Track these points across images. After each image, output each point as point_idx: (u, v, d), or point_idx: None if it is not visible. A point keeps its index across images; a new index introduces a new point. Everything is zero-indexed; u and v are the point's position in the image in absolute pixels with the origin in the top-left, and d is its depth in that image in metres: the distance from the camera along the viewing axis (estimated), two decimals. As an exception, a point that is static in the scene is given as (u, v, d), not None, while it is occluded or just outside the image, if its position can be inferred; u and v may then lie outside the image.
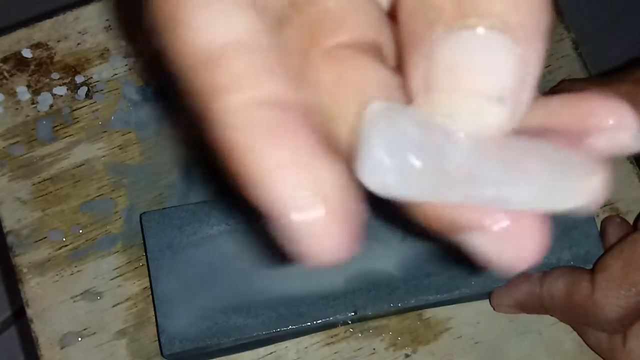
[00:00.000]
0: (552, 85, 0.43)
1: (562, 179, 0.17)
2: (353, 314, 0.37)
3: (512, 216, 0.17)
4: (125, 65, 0.43)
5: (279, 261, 0.37)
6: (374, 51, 0.19)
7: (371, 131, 0.17)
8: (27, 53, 0.43)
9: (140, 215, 0.39)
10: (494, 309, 0.41)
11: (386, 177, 0.16)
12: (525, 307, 0.40)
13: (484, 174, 0.17)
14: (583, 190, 0.17)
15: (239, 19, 0.17)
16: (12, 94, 0.42)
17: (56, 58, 0.43)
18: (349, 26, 0.19)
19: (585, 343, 0.40)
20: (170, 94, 0.43)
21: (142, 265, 0.41)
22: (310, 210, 0.16)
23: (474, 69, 0.16)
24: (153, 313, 0.38)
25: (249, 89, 0.17)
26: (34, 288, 0.40)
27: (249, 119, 0.17)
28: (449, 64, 0.16)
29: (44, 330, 0.40)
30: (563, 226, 0.38)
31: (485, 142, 0.17)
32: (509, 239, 0.17)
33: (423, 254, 0.38)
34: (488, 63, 0.16)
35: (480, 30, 0.15)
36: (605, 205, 0.43)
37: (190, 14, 0.17)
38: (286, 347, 0.40)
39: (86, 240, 0.41)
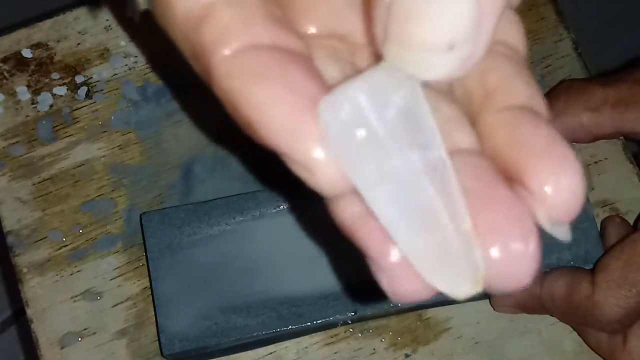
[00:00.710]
0: (553, 85, 0.43)
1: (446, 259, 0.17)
2: (353, 314, 0.37)
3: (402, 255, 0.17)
4: (125, 65, 0.43)
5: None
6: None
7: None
8: (27, 53, 0.43)
9: (140, 215, 0.39)
10: (494, 309, 0.41)
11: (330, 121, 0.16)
12: (525, 307, 0.40)
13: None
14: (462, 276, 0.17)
15: None
16: (12, 94, 0.42)
17: (56, 58, 0.43)
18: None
19: (586, 343, 0.40)
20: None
21: (142, 265, 0.41)
22: (310, 143, 0.16)
23: (425, 14, 0.16)
24: (153, 313, 0.38)
25: (237, 37, 0.17)
26: (34, 288, 0.40)
27: (241, 65, 0.17)
28: (404, 14, 0.16)
29: (44, 330, 0.40)
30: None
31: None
32: (396, 274, 0.17)
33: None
34: (439, 7, 0.16)
35: None
36: (605, 205, 0.43)
37: None
38: (286, 347, 0.40)
39: (86, 240, 0.41)
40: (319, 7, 0.20)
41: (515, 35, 0.20)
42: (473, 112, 0.19)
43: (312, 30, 0.21)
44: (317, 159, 0.16)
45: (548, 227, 0.18)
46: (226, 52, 0.17)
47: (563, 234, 0.18)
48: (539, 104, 0.19)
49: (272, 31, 0.17)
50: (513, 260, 0.17)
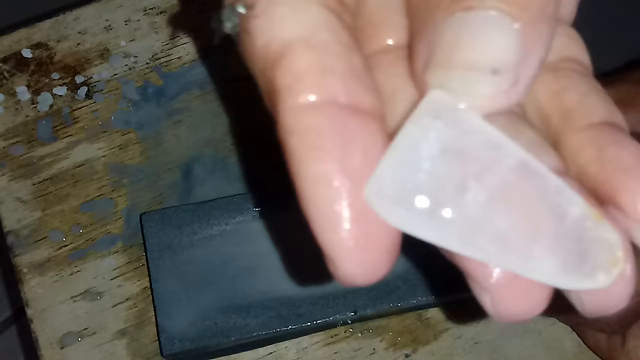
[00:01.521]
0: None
1: (575, 265, 0.16)
2: (353, 314, 0.37)
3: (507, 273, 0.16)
4: (125, 65, 0.43)
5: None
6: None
7: (392, 150, 0.16)
8: (27, 53, 0.43)
9: (140, 215, 0.39)
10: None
11: (387, 205, 0.16)
12: (525, 308, 0.40)
13: (492, 232, 0.16)
14: (598, 277, 0.16)
15: (308, 14, 0.16)
16: (12, 94, 0.42)
17: (56, 58, 0.43)
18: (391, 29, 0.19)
19: (585, 344, 0.40)
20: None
21: (142, 265, 0.41)
22: (342, 232, 0.16)
23: (470, 44, 0.16)
24: (153, 313, 0.38)
25: (310, 89, 0.16)
26: (34, 288, 0.40)
27: (304, 123, 0.16)
28: (449, 41, 0.16)
29: (44, 330, 0.40)
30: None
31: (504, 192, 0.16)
32: (503, 294, 0.16)
33: (423, 254, 0.38)
34: (484, 38, 0.15)
35: (478, 10, 0.15)
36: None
37: (259, 9, 0.16)
38: (286, 347, 0.40)
39: (86, 240, 0.41)
40: (393, 18, 0.19)
41: (578, 50, 0.20)
42: (553, 135, 0.19)
43: (389, 42, 0.19)
44: (341, 255, 0.16)
45: None
46: (295, 102, 0.16)
47: None
48: (619, 119, 0.18)
49: (349, 86, 0.16)
50: (613, 285, 0.16)
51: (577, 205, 0.16)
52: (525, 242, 0.16)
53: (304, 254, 0.38)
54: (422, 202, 0.16)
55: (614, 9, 0.89)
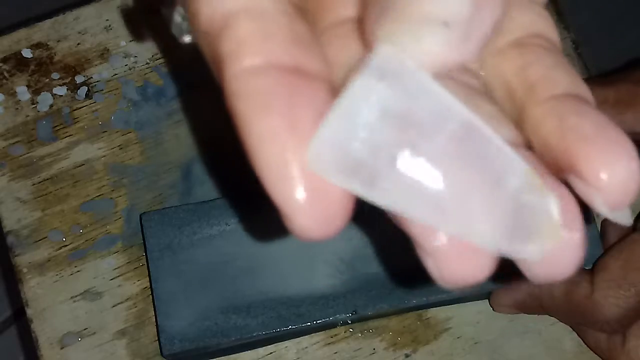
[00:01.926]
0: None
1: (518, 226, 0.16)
2: (353, 314, 0.37)
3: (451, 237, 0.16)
4: (125, 65, 0.43)
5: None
6: None
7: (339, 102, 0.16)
8: (27, 53, 0.43)
9: (140, 215, 0.39)
10: (493, 309, 0.41)
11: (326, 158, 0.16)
12: (525, 308, 0.40)
13: (428, 195, 0.16)
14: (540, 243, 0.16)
15: None
16: (12, 94, 0.42)
17: (56, 58, 0.43)
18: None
19: (585, 343, 0.40)
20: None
21: (142, 265, 0.41)
22: (291, 189, 0.16)
23: None
24: (153, 313, 0.38)
25: (253, 53, 0.16)
26: (34, 288, 0.40)
27: (249, 86, 0.16)
28: None
29: (44, 330, 0.40)
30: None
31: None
32: (447, 257, 0.16)
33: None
34: None
35: None
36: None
37: None
38: (286, 347, 0.40)
39: (86, 240, 0.41)
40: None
41: (547, 27, 0.20)
42: (518, 109, 0.19)
43: (345, 14, 0.20)
44: (293, 208, 0.16)
45: (608, 214, 0.17)
46: (239, 67, 0.16)
47: (624, 218, 0.18)
48: (585, 91, 0.18)
49: (292, 51, 0.16)
50: (559, 250, 0.16)
51: (518, 171, 0.16)
52: (464, 208, 0.16)
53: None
54: (358, 170, 0.16)
55: (614, 9, 0.89)
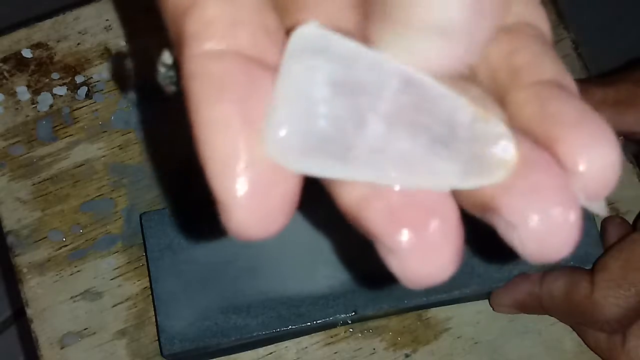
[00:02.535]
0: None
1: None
2: (353, 314, 0.37)
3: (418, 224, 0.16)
4: (125, 65, 0.43)
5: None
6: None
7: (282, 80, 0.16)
8: (27, 53, 0.43)
9: (140, 215, 0.39)
10: (493, 309, 0.41)
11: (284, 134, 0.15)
12: (525, 307, 0.40)
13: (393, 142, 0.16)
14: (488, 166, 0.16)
15: None
16: (12, 94, 0.42)
17: (56, 58, 0.43)
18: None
19: (585, 343, 0.40)
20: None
21: (142, 265, 0.41)
22: (235, 181, 0.15)
23: (423, 4, 0.15)
24: (153, 313, 0.38)
25: (218, 37, 0.16)
26: (34, 288, 0.40)
27: (207, 68, 0.15)
28: (402, 1, 0.16)
29: (44, 330, 0.40)
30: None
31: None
32: (410, 254, 0.16)
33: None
34: (436, 2, 0.15)
35: None
36: (605, 205, 0.43)
37: None
38: (286, 347, 0.40)
39: (86, 240, 0.41)
40: (324, 3, 0.20)
41: (537, 17, 0.20)
42: (501, 93, 0.19)
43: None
44: (233, 201, 0.15)
45: (583, 202, 0.17)
46: (201, 49, 0.16)
47: (599, 208, 0.17)
48: (567, 79, 0.18)
49: (258, 40, 0.16)
50: (553, 228, 0.16)
51: (464, 109, 0.16)
52: (427, 158, 0.16)
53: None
54: (327, 147, 0.15)
55: (614, 9, 0.89)
